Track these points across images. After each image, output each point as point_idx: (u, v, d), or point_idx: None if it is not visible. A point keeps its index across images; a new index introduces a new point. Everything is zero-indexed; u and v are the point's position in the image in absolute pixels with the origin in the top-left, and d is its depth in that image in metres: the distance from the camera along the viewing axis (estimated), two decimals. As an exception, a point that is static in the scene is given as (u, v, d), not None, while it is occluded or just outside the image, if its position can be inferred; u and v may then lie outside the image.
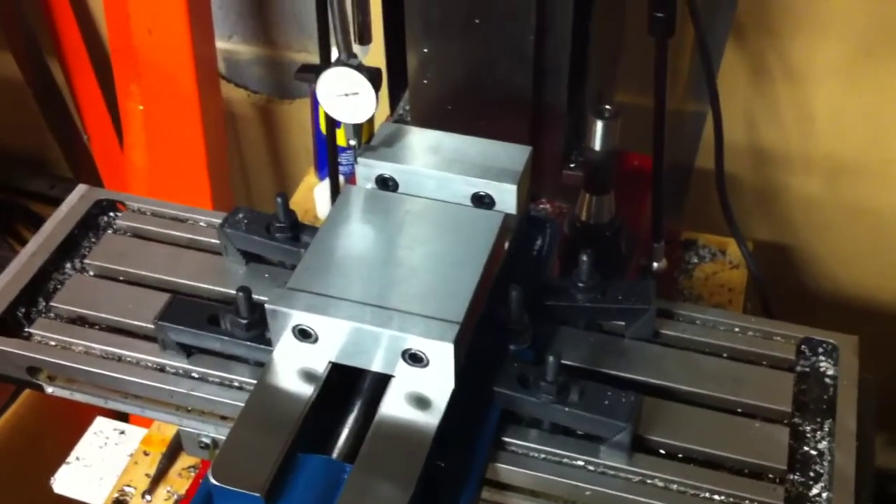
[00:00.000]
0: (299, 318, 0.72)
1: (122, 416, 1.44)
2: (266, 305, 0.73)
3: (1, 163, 2.03)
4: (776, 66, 1.35)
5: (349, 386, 0.76)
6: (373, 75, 0.78)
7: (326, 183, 1.29)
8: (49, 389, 0.85)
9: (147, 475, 1.15)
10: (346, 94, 0.79)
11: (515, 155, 0.85)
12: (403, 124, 0.94)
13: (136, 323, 0.85)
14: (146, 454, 1.18)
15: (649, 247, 1.15)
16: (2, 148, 2.01)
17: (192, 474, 1.15)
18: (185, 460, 1.16)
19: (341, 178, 1.21)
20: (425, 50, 1.02)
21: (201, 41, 1.48)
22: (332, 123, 1.12)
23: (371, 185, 0.85)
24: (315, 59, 1.61)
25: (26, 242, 0.92)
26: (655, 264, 1.15)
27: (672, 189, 1.20)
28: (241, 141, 1.81)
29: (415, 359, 0.71)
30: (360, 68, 0.79)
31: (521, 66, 1.00)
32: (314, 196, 1.41)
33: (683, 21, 1.05)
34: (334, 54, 1.00)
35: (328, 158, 1.15)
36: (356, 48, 0.82)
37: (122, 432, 1.29)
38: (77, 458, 1.26)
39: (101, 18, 1.73)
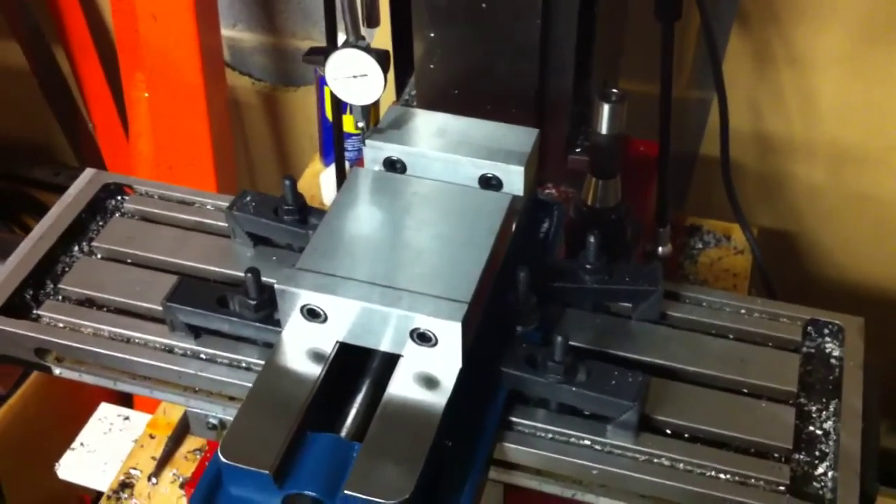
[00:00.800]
0: (308, 297, 0.72)
1: (127, 403, 1.45)
2: (275, 285, 0.73)
3: (6, 151, 2.04)
4: (780, 54, 1.36)
5: (357, 366, 0.76)
6: (381, 57, 0.79)
7: (332, 169, 1.30)
8: (57, 371, 0.85)
9: (153, 458, 1.16)
10: (355, 76, 0.80)
11: (523, 137, 0.85)
12: (410, 107, 0.94)
13: (144, 305, 0.85)
14: (152, 437, 1.18)
15: (655, 232, 1.15)
16: (7, 136, 2.01)
17: (198, 457, 1.15)
18: (190, 443, 1.17)
19: (347, 165, 1.22)
20: (431, 35, 1.02)
21: (206, 29, 1.48)
22: (339, 109, 1.12)
23: (379, 167, 0.85)
24: (320, 46, 1.63)
25: (31, 230, 0.93)
26: (661, 249, 1.15)
27: (677, 176, 1.20)
28: (246, 129, 1.81)
29: (423, 338, 0.71)
30: (368, 50, 0.79)
31: (527, 51, 1.00)
32: (320, 182, 1.41)
33: (688, 8, 1.05)
34: (340, 38, 1.01)
35: (334, 144, 1.16)
36: (363, 31, 0.82)
37: (127, 418, 1.30)
38: (81, 444, 1.27)
39: (105, 6, 1.73)
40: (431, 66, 1.04)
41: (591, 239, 0.82)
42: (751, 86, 1.39)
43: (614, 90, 0.95)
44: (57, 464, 1.24)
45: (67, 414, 1.41)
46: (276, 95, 1.76)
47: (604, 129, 0.95)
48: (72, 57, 1.79)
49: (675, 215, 1.30)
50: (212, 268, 0.89)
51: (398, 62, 1.16)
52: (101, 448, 1.26)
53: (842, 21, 1.30)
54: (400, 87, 1.20)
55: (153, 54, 1.51)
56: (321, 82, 1.39)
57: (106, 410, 1.31)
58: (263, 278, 0.78)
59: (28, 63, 1.80)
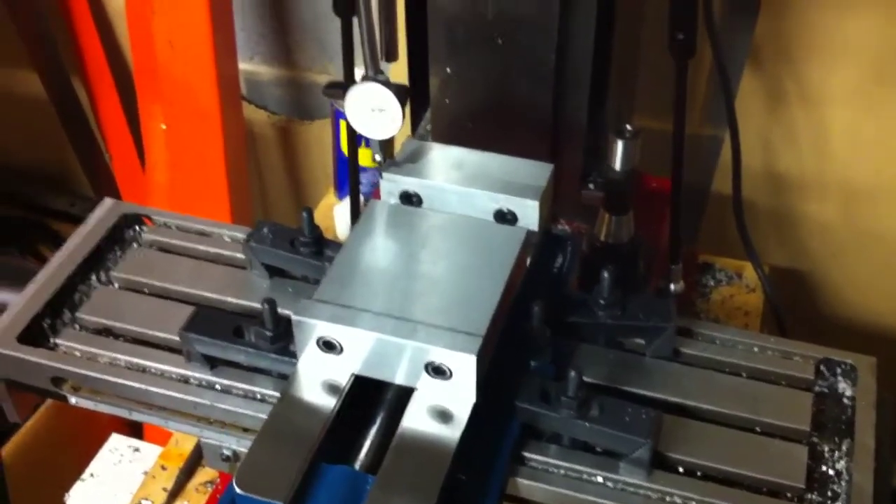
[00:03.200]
0: (324, 328, 0.73)
1: (137, 434, 1.45)
2: (292, 316, 0.73)
3: (23, 180, 2.05)
4: (792, 91, 1.37)
5: (372, 398, 0.76)
6: (400, 91, 0.80)
7: (346, 202, 1.30)
8: (73, 400, 0.86)
9: (164, 489, 1.16)
10: (373, 110, 0.81)
11: (537, 172, 0.86)
12: (426, 141, 0.95)
13: (160, 335, 0.86)
14: (164, 468, 1.19)
15: (667, 268, 1.16)
16: (24, 165, 2.03)
17: (210, 490, 1.15)
18: (202, 475, 1.17)
19: (361, 198, 1.23)
20: (447, 69, 1.03)
21: (224, 60, 1.49)
22: (354, 143, 1.13)
23: (395, 200, 0.86)
24: (336, 79, 1.64)
25: (46, 260, 0.93)
26: (673, 286, 1.15)
27: (689, 212, 1.21)
28: (261, 161, 1.83)
29: (438, 371, 0.72)
30: (387, 84, 0.80)
31: (542, 87, 1.01)
32: (334, 215, 1.42)
33: (701, 45, 1.06)
34: (357, 72, 1.02)
35: (349, 178, 1.16)
36: (382, 65, 0.83)
37: (137, 450, 1.30)
38: (91, 475, 1.27)
39: (124, 37, 1.75)
40: (447, 100, 1.05)
41: (605, 274, 0.83)
42: (763, 123, 1.40)
43: (628, 126, 0.95)
44: (67, 495, 1.25)
45: (78, 444, 1.41)
46: (291, 128, 1.78)
47: (617, 165, 0.96)
48: (89, 87, 1.81)
49: (688, 251, 1.30)
50: (228, 298, 0.89)
51: (414, 95, 1.17)
52: (112, 479, 1.27)
53: (853, 59, 1.31)
54: (415, 120, 1.21)
55: (171, 85, 1.53)
56: (337, 116, 1.41)
57: (116, 441, 1.32)
58: (279, 309, 0.79)
59: (47, 93, 1.82)
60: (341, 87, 0.88)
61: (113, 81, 1.78)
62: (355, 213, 1.17)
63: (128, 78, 1.77)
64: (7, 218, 2.04)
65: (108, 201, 1.00)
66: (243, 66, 1.67)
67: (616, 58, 1.04)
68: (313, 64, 1.69)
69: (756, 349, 0.85)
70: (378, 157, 0.85)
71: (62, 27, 1.76)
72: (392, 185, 0.86)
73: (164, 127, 1.58)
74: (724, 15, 1.29)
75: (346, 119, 0.83)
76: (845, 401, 0.81)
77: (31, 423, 1.57)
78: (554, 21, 0.96)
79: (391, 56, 0.85)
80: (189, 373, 0.82)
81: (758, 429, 0.79)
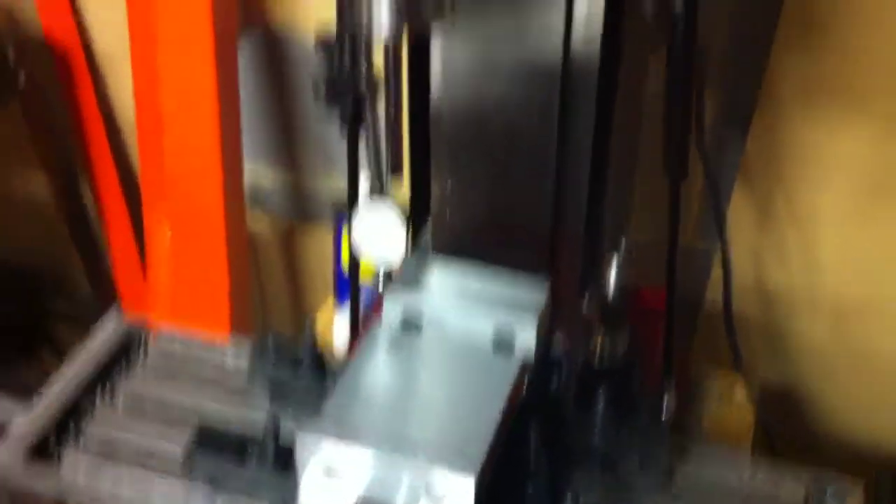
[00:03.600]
0: (326, 450, 0.75)
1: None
2: (295, 438, 0.75)
3: (24, 281, 2.07)
4: (783, 208, 1.40)
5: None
6: (403, 212, 0.83)
7: (346, 313, 1.32)
8: (76, 517, 0.87)
9: None
10: (379, 235, 0.84)
11: (535, 290, 0.89)
12: (426, 254, 0.98)
13: (163, 451, 0.87)
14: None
15: (660, 382, 1.17)
16: (25, 264, 2.05)
17: None
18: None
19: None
20: (448, 182, 1.06)
21: (231, 167, 1.53)
22: (355, 267, 1.15)
23: (396, 322, 0.88)
24: (338, 184, 1.68)
25: (46, 365, 0.96)
26: (666, 401, 1.17)
27: (682, 324, 1.23)
28: (261, 264, 1.86)
29: (436, 494, 0.73)
30: (392, 207, 0.83)
31: (541, 203, 1.04)
32: (334, 327, 1.45)
33: (693, 161, 1.09)
34: (361, 181, 1.05)
35: (350, 296, 1.18)
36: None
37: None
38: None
39: (132, 141, 1.80)
40: (448, 211, 1.08)
41: (600, 397, 0.85)
42: (754, 238, 1.43)
43: (623, 243, 0.99)
44: None
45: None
46: (292, 231, 1.81)
47: (612, 282, 0.99)
48: (96, 189, 1.85)
49: (680, 364, 1.32)
50: (231, 418, 0.91)
51: (414, 207, 1.20)
52: None
53: (843, 178, 1.35)
54: (416, 230, 1.24)
55: (176, 190, 1.56)
56: (339, 227, 1.43)
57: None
58: (282, 429, 0.81)
59: (53, 194, 1.86)
60: (348, 204, 0.90)
61: (119, 185, 1.82)
62: (355, 331, 1.19)
63: (134, 181, 1.81)
64: (5, 316, 2.06)
65: (112, 315, 1.02)
66: (247, 169, 1.71)
67: (613, 172, 1.08)
68: (317, 169, 1.72)
69: (747, 471, 0.87)
70: (381, 281, 0.87)
71: (73, 130, 1.80)
72: (392, 306, 0.88)
73: (169, 233, 1.60)
74: (714, 133, 1.33)
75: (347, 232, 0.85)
76: (835, 525, 0.83)
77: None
78: (553, 137, 1.00)
79: (396, 169, 0.88)
80: (191, 493, 0.83)
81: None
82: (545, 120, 0.99)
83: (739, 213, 1.40)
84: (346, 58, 0.84)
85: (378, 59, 0.84)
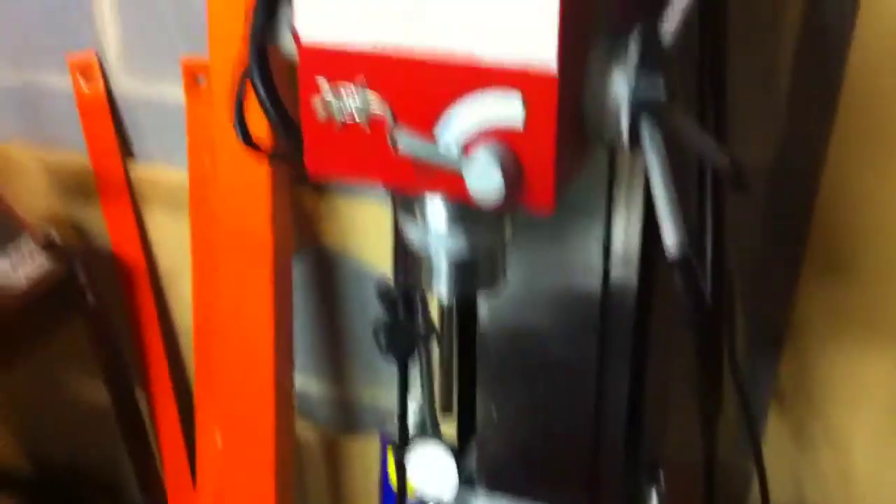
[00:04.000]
0: None
1: None
2: None
3: (76, 485, 2.09)
4: (818, 431, 1.42)
5: None
6: (454, 452, 0.87)
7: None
8: None
9: None
10: (431, 469, 0.88)
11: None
12: (472, 486, 1.00)
13: None
14: None
15: None
16: (80, 469, 2.07)
17: None
18: None
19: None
20: (493, 412, 1.10)
21: (282, 377, 1.59)
22: (404, 486, 1.18)
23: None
24: (382, 395, 1.71)
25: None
26: None
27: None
28: (305, 471, 1.88)
29: None
30: (444, 445, 0.87)
31: (581, 428, 1.08)
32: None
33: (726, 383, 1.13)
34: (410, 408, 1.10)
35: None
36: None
37: None
38: None
39: (188, 351, 1.87)
40: (492, 439, 1.12)
41: None
42: (790, 460, 1.45)
43: (662, 475, 1.01)
44: None
45: None
46: (337, 442, 1.84)
47: (654, 510, 1.02)
48: (151, 399, 1.90)
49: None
50: None
51: (461, 432, 1.24)
52: None
53: (875, 403, 1.38)
54: (462, 446, 1.27)
55: (229, 402, 1.61)
56: (385, 445, 1.46)
57: None
58: None
59: (111, 402, 1.91)
60: (398, 435, 0.95)
61: (173, 393, 1.88)
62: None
63: (188, 391, 1.87)
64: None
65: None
66: (295, 379, 1.76)
67: (649, 394, 1.12)
68: (362, 382, 1.77)
69: None
70: (431, 506, 0.91)
71: (131, 340, 1.87)
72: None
73: (219, 445, 1.64)
74: (746, 355, 1.38)
75: (392, 453, 0.90)
76: None
77: None
78: (592, 366, 1.05)
79: (447, 408, 0.93)
80: None
81: None
82: (584, 345, 1.04)
83: (775, 435, 1.43)
84: (404, 306, 0.92)
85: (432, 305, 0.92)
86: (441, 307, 0.89)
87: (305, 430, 1.85)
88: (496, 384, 1.09)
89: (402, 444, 0.88)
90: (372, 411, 1.76)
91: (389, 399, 1.38)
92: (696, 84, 0.97)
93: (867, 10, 1.15)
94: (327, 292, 1.72)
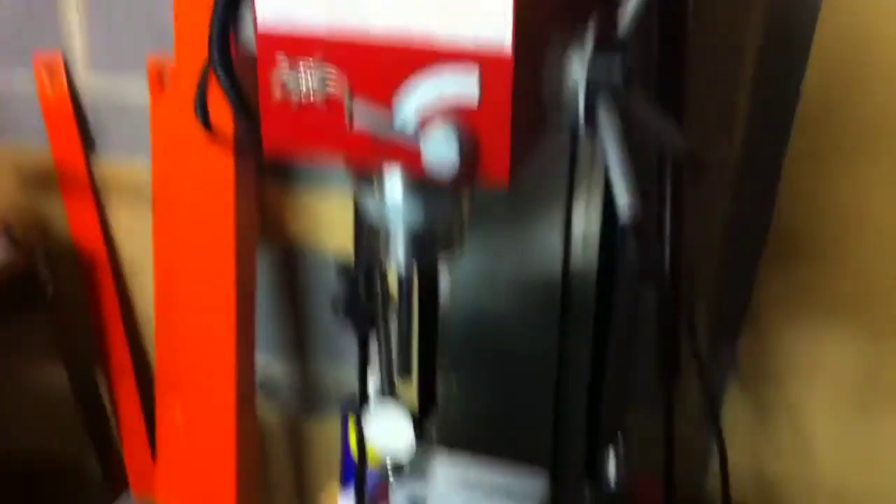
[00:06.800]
0: None
1: None
2: None
3: (37, 469, 2.08)
4: (777, 403, 1.44)
5: None
6: (412, 416, 0.89)
7: (349, 495, 1.36)
8: None
9: None
10: (389, 431, 0.89)
11: (536, 480, 0.93)
12: (432, 446, 1.03)
13: None
14: None
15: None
16: (40, 454, 2.06)
17: None
18: None
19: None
20: (454, 381, 1.12)
21: (244, 360, 1.60)
22: (363, 456, 1.20)
23: (404, 505, 0.93)
24: (344, 377, 1.73)
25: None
26: None
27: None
28: (268, 453, 1.89)
29: None
30: (402, 408, 0.89)
31: (541, 403, 1.09)
32: (339, 509, 1.47)
33: (688, 358, 1.15)
34: (370, 380, 1.11)
35: (357, 481, 1.22)
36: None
37: None
38: None
39: (149, 334, 1.88)
40: (453, 406, 1.13)
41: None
42: (750, 431, 1.47)
43: (621, 437, 1.03)
44: None
45: None
46: (299, 423, 1.85)
47: (611, 475, 1.04)
48: (110, 380, 1.91)
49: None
50: None
51: (421, 401, 1.25)
52: None
53: (832, 378, 1.40)
54: (422, 423, 1.29)
55: (190, 383, 1.62)
56: (346, 417, 1.48)
57: None
58: None
59: (69, 384, 1.90)
60: (357, 403, 0.96)
61: (133, 376, 1.88)
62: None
63: (148, 375, 1.87)
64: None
65: (125, 496, 1.06)
66: (257, 362, 1.77)
67: (610, 371, 1.13)
68: (325, 363, 1.78)
69: None
70: (390, 474, 0.92)
71: (93, 326, 1.88)
72: (401, 492, 0.93)
73: (179, 420, 1.65)
74: (708, 333, 1.40)
75: (354, 423, 0.90)
76: None
77: None
78: (553, 346, 1.06)
79: (406, 372, 0.95)
80: None
81: None
82: (546, 327, 1.06)
83: (735, 407, 1.45)
84: (363, 282, 0.93)
85: (392, 278, 0.93)
86: (400, 278, 0.90)
87: (268, 413, 1.85)
88: (457, 361, 1.10)
89: (360, 408, 0.89)
90: (335, 394, 1.77)
91: (352, 382, 1.40)
92: (655, 80, 0.98)
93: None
94: (291, 282, 1.74)
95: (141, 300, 1.87)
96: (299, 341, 1.79)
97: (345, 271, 0.90)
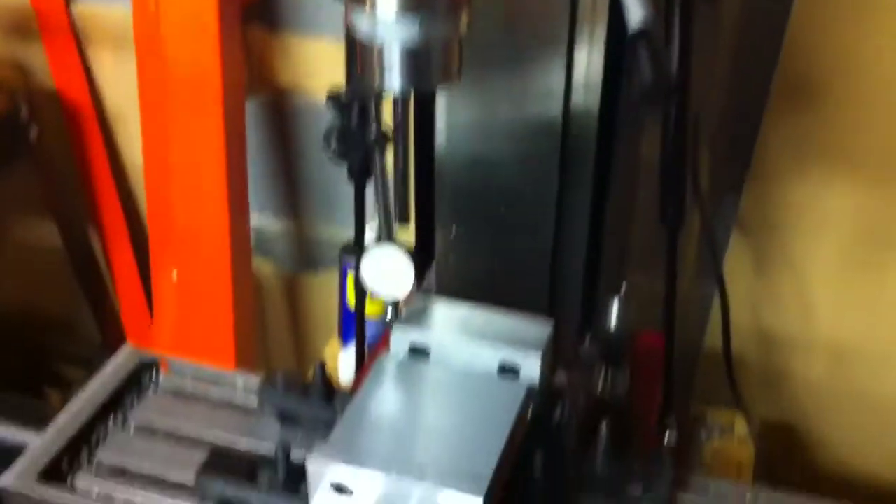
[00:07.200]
0: (336, 471, 0.77)
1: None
2: (306, 459, 0.77)
3: (32, 324, 2.09)
4: (778, 257, 1.44)
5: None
6: (412, 255, 0.86)
7: (351, 350, 1.35)
8: (87, 539, 0.88)
9: None
10: (387, 271, 0.86)
11: (539, 327, 0.91)
12: (431, 296, 1.01)
13: (174, 476, 0.89)
14: None
15: (660, 420, 1.19)
16: (34, 310, 2.07)
17: None
18: None
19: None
20: (452, 231, 1.09)
21: (237, 217, 1.57)
22: (362, 298, 1.18)
23: (403, 353, 0.91)
24: (340, 233, 1.72)
25: (51, 401, 0.98)
26: (666, 436, 1.19)
27: (682, 367, 1.25)
28: (266, 310, 1.89)
29: (445, 515, 0.75)
30: (400, 247, 0.86)
31: (541, 251, 1.07)
32: (339, 363, 1.47)
33: (690, 209, 1.13)
34: (367, 231, 1.09)
35: (356, 330, 1.21)
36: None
37: None
38: None
39: (140, 189, 1.84)
40: (451, 258, 1.11)
41: (603, 427, 0.87)
42: (751, 285, 1.47)
43: (623, 285, 1.01)
44: None
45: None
46: (296, 279, 1.84)
47: (612, 322, 1.02)
48: (103, 237, 1.89)
49: (680, 404, 1.34)
50: (241, 442, 0.93)
51: (419, 251, 1.24)
52: None
53: (834, 228, 1.39)
54: (419, 275, 1.27)
55: (184, 237, 1.59)
56: (344, 271, 1.47)
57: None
58: (292, 454, 0.83)
59: (63, 243, 1.89)
60: (356, 248, 0.94)
61: (126, 231, 1.86)
62: (360, 363, 1.22)
63: (141, 228, 1.84)
64: (14, 360, 2.07)
65: (126, 348, 1.05)
66: (253, 219, 1.75)
67: (610, 222, 1.11)
68: (320, 218, 1.77)
69: (748, 498, 0.88)
70: (389, 313, 0.90)
71: (82, 180, 1.84)
72: (401, 338, 0.91)
73: (175, 277, 1.63)
74: (711, 185, 1.37)
75: (353, 273, 0.88)
76: (835, 552, 0.85)
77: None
78: (553, 193, 1.03)
79: (404, 219, 0.91)
80: (203, 516, 0.85)
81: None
82: (545, 173, 1.02)
83: (736, 261, 1.44)
84: (357, 113, 0.88)
85: (386, 114, 0.88)
86: (395, 108, 0.85)
87: (265, 268, 1.84)
88: (456, 207, 1.07)
89: (358, 252, 0.87)
90: (330, 248, 1.75)
91: (348, 236, 1.40)
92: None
93: None
94: (283, 132, 1.70)
95: (129, 151, 1.83)
96: (294, 196, 1.77)
97: (336, 99, 0.85)
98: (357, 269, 0.88)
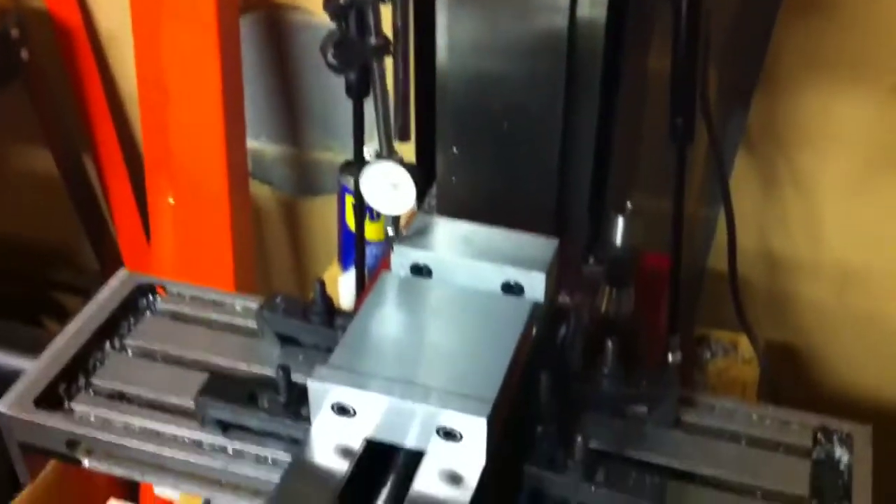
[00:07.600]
0: (338, 392, 0.75)
1: (134, 499, 1.46)
2: (308, 381, 0.76)
3: (28, 253, 2.08)
4: (785, 176, 1.41)
5: (383, 463, 0.78)
6: (412, 170, 0.83)
7: (351, 274, 1.34)
8: (86, 463, 0.87)
9: (165, 557, 1.17)
10: (388, 188, 0.84)
11: (543, 245, 0.89)
12: (432, 216, 0.98)
13: (173, 400, 0.88)
14: (167, 537, 1.19)
15: (665, 341, 1.18)
16: (29, 238, 2.06)
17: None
18: (205, 545, 1.17)
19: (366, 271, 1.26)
20: (454, 150, 1.07)
21: (234, 142, 1.54)
22: (361, 219, 1.16)
23: (405, 272, 0.89)
24: (338, 157, 1.69)
25: (50, 331, 0.96)
26: (671, 357, 1.18)
27: (686, 288, 1.24)
28: (265, 235, 1.87)
29: (449, 435, 0.74)
30: (401, 163, 0.84)
31: (546, 167, 1.05)
32: (339, 286, 1.45)
33: (697, 128, 1.10)
34: (366, 152, 1.06)
35: (356, 251, 1.20)
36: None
37: (134, 515, 1.31)
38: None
39: (135, 116, 1.81)
40: (453, 178, 1.09)
41: (609, 346, 0.86)
42: (757, 204, 1.44)
43: (629, 204, 0.99)
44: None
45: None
46: (295, 204, 1.82)
47: (618, 241, 1.00)
48: (99, 163, 1.86)
49: (685, 325, 1.33)
50: (241, 366, 0.92)
51: (421, 171, 1.21)
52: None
53: (844, 146, 1.36)
54: (420, 195, 1.25)
55: (180, 163, 1.57)
56: (343, 193, 1.45)
57: (114, 507, 1.33)
58: (292, 376, 0.82)
59: (59, 170, 1.87)
60: (355, 166, 0.91)
61: (122, 157, 1.83)
62: (361, 286, 1.20)
63: (137, 155, 1.81)
64: (11, 289, 2.06)
65: (122, 272, 1.03)
66: (250, 144, 1.72)
67: (617, 140, 1.09)
68: (318, 143, 1.74)
69: (754, 417, 0.87)
70: (390, 231, 0.88)
71: (76, 105, 1.81)
72: (403, 257, 0.89)
73: (171, 202, 1.61)
74: (718, 101, 1.34)
75: (352, 195, 0.86)
76: (842, 467, 0.83)
77: (29, 489, 1.57)
78: (559, 110, 1.01)
79: (404, 136, 0.89)
80: (202, 437, 0.84)
81: (759, 493, 0.81)
82: (550, 89, 1.00)
83: (742, 181, 1.41)
84: (355, 19, 0.85)
85: (386, 27, 0.85)
86: (395, 13, 0.83)
87: (263, 193, 1.82)
88: (457, 126, 1.05)
89: (358, 168, 0.84)
90: (329, 173, 1.73)
91: (346, 159, 1.37)
92: None
93: None
94: (279, 52, 1.65)
95: (122, 74, 1.80)
96: (291, 120, 1.74)
97: (333, 9, 0.82)
98: (356, 185, 0.86)
